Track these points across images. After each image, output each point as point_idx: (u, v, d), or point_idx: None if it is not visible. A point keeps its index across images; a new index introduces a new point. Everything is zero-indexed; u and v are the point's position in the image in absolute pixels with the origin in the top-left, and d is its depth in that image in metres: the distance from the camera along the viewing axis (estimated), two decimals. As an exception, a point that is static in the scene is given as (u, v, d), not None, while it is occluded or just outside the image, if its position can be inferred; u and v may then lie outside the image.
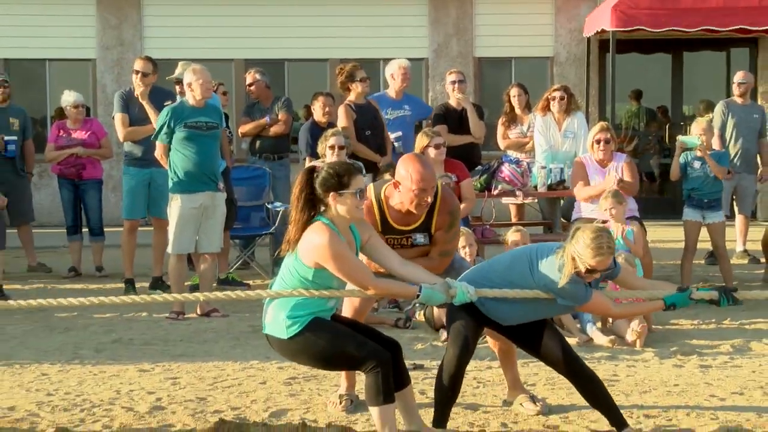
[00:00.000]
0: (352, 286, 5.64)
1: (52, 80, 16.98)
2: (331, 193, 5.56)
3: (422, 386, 6.89)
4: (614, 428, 5.85)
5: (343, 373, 6.60)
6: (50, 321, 9.36)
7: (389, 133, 10.91)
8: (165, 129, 9.41)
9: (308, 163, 10.32)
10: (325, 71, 16.90)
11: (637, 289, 6.04)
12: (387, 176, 8.40)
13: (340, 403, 6.49)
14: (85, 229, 12.02)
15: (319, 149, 10.08)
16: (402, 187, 6.28)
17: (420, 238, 6.49)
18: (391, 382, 5.52)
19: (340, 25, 17.15)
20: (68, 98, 11.95)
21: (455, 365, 5.83)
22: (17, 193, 11.42)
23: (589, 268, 5.57)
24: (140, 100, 10.43)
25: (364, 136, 10.78)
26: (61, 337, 8.72)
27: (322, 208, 5.60)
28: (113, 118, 10.89)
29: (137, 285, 10.50)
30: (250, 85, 12.17)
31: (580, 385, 5.92)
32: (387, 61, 11.88)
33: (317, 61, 17.26)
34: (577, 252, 5.58)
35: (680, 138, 10.56)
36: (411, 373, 6.41)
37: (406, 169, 6.26)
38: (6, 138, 11.47)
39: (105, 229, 12.00)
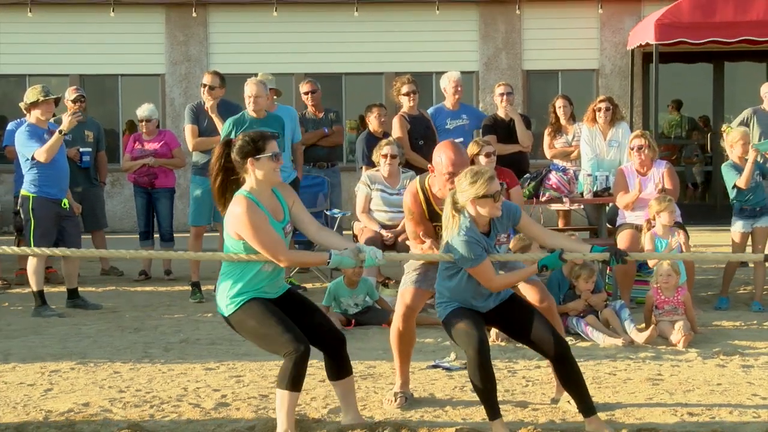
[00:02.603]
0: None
1: (124, 94, 17.13)
2: (249, 159, 5.63)
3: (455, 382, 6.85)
4: (581, 414, 5.83)
5: (397, 371, 6.59)
6: (122, 321, 9.43)
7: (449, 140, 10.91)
8: (228, 140, 9.46)
9: (365, 171, 10.34)
10: (380, 84, 16.91)
11: (537, 238, 6.10)
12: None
13: (395, 400, 6.47)
14: (156, 235, 12.13)
15: (374, 158, 10.11)
16: (436, 172, 6.30)
17: None
18: (302, 372, 5.55)
19: (395, 40, 17.16)
20: (140, 112, 12.11)
21: (479, 361, 5.68)
22: (91, 201, 11.53)
23: (480, 195, 5.60)
24: (210, 113, 10.50)
25: (418, 146, 10.81)
26: (132, 336, 8.77)
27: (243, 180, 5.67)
28: (183, 129, 10.96)
29: (203, 288, 10.54)
30: (308, 93, 12.15)
31: (563, 371, 5.85)
32: (439, 74, 11.88)
33: (373, 74, 17.28)
34: (462, 196, 5.67)
35: (755, 145, 10.27)
36: (432, 373, 6.41)
37: (438, 155, 6.29)
38: (81, 149, 11.58)
39: (176, 235, 12.09)
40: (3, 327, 9.19)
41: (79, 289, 10.32)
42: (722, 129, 10.15)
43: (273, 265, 5.70)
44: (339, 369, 5.89)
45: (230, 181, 5.71)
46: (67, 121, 9.78)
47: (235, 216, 5.57)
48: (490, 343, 8.05)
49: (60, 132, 9.72)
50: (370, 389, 6.85)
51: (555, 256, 5.77)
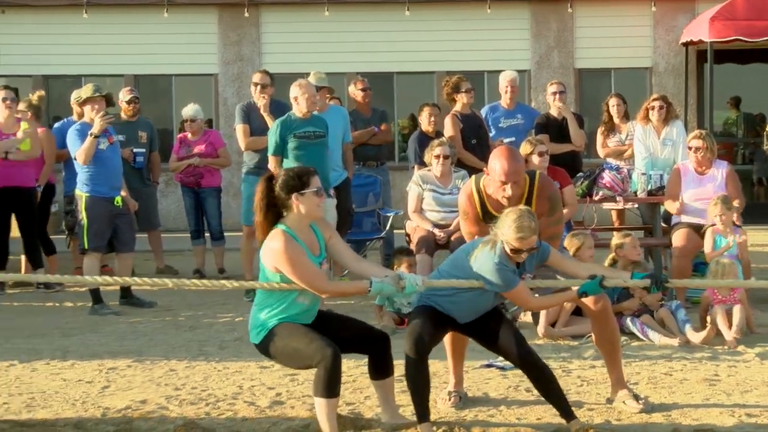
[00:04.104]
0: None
1: (177, 94, 17.26)
2: (294, 194, 5.64)
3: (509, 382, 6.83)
4: (563, 418, 5.82)
5: (450, 370, 6.59)
6: (177, 320, 9.51)
7: (503, 139, 10.91)
8: (277, 141, 9.58)
9: (416, 171, 10.35)
10: (432, 83, 16.90)
11: (567, 271, 6.05)
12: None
13: (449, 399, 6.47)
14: (207, 234, 12.21)
15: (426, 158, 10.11)
16: (490, 177, 6.31)
17: None
18: (335, 377, 5.54)
19: (446, 39, 17.14)
20: (186, 112, 12.20)
21: (413, 355, 5.77)
22: (144, 201, 11.61)
23: (513, 248, 5.66)
24: (261, 111, 10.56)
25: (470, 145, 10.81)
26: (188, 334, 8.84)
27: (284, 214, 5.69)
28: (235, 128, 11.04)
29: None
30: (359, 92, 12.18)
31: (532, 376, 5.89)
32: (491, 73, 11.89)
33: (424, 73, 17.27)
34: (502, 234, 5.69)
35: None
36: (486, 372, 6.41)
37: (493, 162, 6.29)
38: (135, 150, 11.69)
39: (227, 234, 12.17)
40: (61, 325, 9.31)
41: (135, 287, 10.40)
42: None
43: (310, 299, 5.75)
44: (382, 369, 5.93)
45: (274, 214, 5.73)
46: (97, 123, 9.83)
47: (274, 251, 5.60)
48: (540, 342, 8.08)
49: (91, 134, 9.78)
50: (424, 388, 6.84)
51: (596, 282, 5.83)
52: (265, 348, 5.79)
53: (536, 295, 6.09)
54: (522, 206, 5.92)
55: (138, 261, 12.31)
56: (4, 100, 10.94)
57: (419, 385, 5.79)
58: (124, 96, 11.92)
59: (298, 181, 5.67)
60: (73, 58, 17.13)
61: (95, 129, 9.77)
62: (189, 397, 6.71)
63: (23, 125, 10.83)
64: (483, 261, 5.75)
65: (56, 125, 11.79)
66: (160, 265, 12.36)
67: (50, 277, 9.77)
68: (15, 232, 11.22)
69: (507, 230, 5.68)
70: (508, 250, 5.70)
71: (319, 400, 5.58)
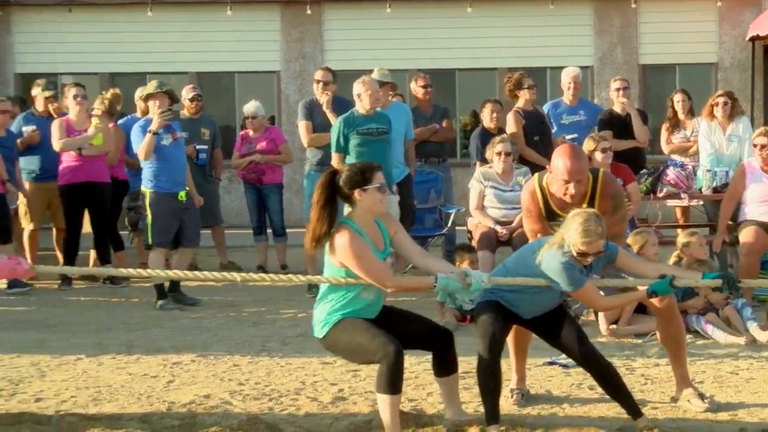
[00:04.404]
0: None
1: (240, 92, 17.37)
2: (356, 190, 5.63)
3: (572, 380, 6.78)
4: (630, 416, 5.78)
5: (513, 368, 6.56)
6: (241, 315, 9.58)
7: (565, 135, 10.85)
8: (340, 138, 9.61)
9: (478, 168, 10.32)
10: (494, 80, 16.84)
11: (635, 272, 5.98)
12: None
13: (512, 396, 6.45)
14: (269, 230, 12.28)
15: (487, 155, 10.08)
16: (553, 176, 6.27)
17: None
18: (398, 373, 5.51)
19: (508, 35, 17.07)
20: (247, 109, 12.28)
21: (488, 356, 5.76)
22: (207, 197, 11.67)
23: (579, 251, 5.60)
24: (324, 108, 10.60)
25: (533, 141, 10.78)
26: (251, 330, 8.90)
27: (346, 211, 5.69)
28: (297, 126, 11.09)
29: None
30: (421, 88, 12.17)
31: (595, 373, 5.87)
32: (553, 69, 11.82)
33: (486, 70, 17.22)
34: (568, 237, 5.62)
35: None
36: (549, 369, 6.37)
37: (555, 160, 6.25)
38: (198, 147, 11.78)
39: (290, 230, 12.23)
40: (127, 320, 9.42)
41: (199, 283, 10.48)
42: None
43: (374, 293, 5.75)
44: (446, 366, 5.91)
45: (334, 209, 5.73)
46: (156, 120, 9.92)
47: (339, 246, 5.61)
48: (603, 339, 8.02)
49: (150, 132, 9.87)
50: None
51: (666, 282, 5.77)
52: (328, 343, 5.80)
53: (602, 293, 6.03)
54: (589, 209, 5.85)
55: (201, 257, 12.43)
56: (75, 96, 11.10)
57: (492, 386, 5.77)
58: (186, 93, 12.02)
59: (361, 177, 5.67)
60: (137, 56, 17.30)
61: (153, 126, 9.87)
62: (252, 393, 6.76)
63: (94, 120, 10.98)
64: (549, 261, 5.71)
65: (120, 122, 11.93)
66: (223, 261, 12.45)
67: (113, 270, 9.86)
68: (85, 227, 11.38)
69: (573, 234, 5.63)
70: (575, 253, 5.66)
71: (382, 396, 5.58)
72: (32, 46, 17.55)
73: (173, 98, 10.42)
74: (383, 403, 5.59)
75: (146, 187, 10.03)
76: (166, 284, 10.04)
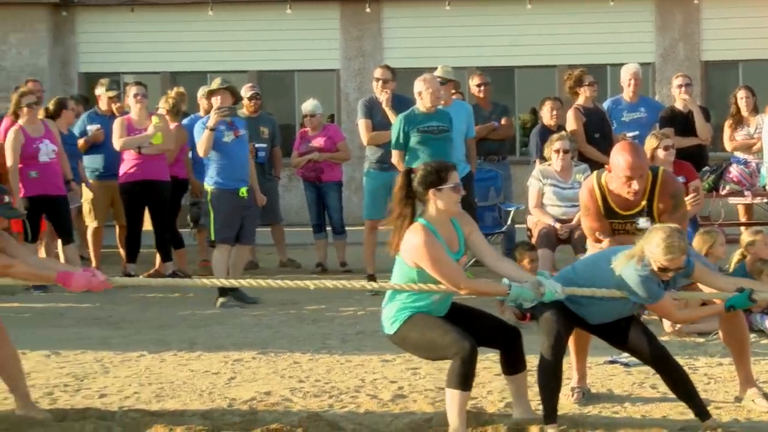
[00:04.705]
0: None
1: (299, 90, 17.45)
2: (431, 190, 5.60)
3: (633, 378, 6.73)
4: (698, 418, 5.71)
5: (573, 366, 6.53)
6: (301, 313, 9.62)
7: (626, 133, 10.78)
8: (400, 135, 9.63)
9: (537, 166, 10.28)
10: (553, 77, 16.75)
11: (713, 287, 5.89)
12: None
13: (572, 395, 6.42)
14: (328, 228, 12.32)
15: (545, 153, 10.04)
16: (613, 173, 6.23)
17: (643, 222, 6.39)
18: (471, 370, 5.51)
19: (568, 32, 16.99)
20: (305, 108, 12.34)
21: (551, 356, 5.72)
22: (266, 195, 11.68)
23: (660, 266, 5.51)
24: (383, 106, 10.62)
25: (593, 139, 10.71)
26: (311, 327, 8.94)
27: (420, 210, 5.64)
28: (357, 124, 11.12)
29: (379, 281, 10.64)
30: (479, 86, 12.15)
31: (666, 375, 5.81)
32: (614, 66, 11.74)
33: (545, 67, 17.13)
34: (649, 251, 5.52)
35: None
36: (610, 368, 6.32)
37: (616, 157, 6.21)
38: (257, 145, 11.84)
39: (349, 228, 12.27)
40: (188, 317, 9.50)
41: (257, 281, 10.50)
42: None
43: (445, 291, 5.73)
44: (514, 364, 5.88)
45: (411, 208, 5.70)
46: (212, 117, 9.98)
47: (414, 246, 5.59)
48: (666, 338, 7.95)
49: (207, 128, 9.94)
50: (547, 384, 6.79)
51: (744, 296, 5.72)
52: (398, 338, 5.78)
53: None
54: (671, 224, 5.73)
55: (261, 255, 12.53)
56: (136, 95, 11.21)
57: (553, 386, 5.74)
58: (245, 92, 12.09)
59: (436, 177, 5.64)
60: (198, 55, 17.47)
61: (210, 122, 9.94)
62: (312, 390, 6.78)
63: (154, 119, 11.08)
64: (628, 273, 5.62)
65: (184, 121, 12.03)
66: (283, 259, 12.52)
67: (179, 280, 9.94)
68: (146, 225, 11.50)
69: (655, 249, 5.53)
70: (655, 268, 5.57)
71: (452, 391, 5.56)
72: (95, 46, 17.79)
73: (236, 95, 10.47)
74: (453, 398, 5.57)
75: (208, 184, 10.10)
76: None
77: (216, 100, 10.10)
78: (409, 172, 5.76)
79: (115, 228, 11.87)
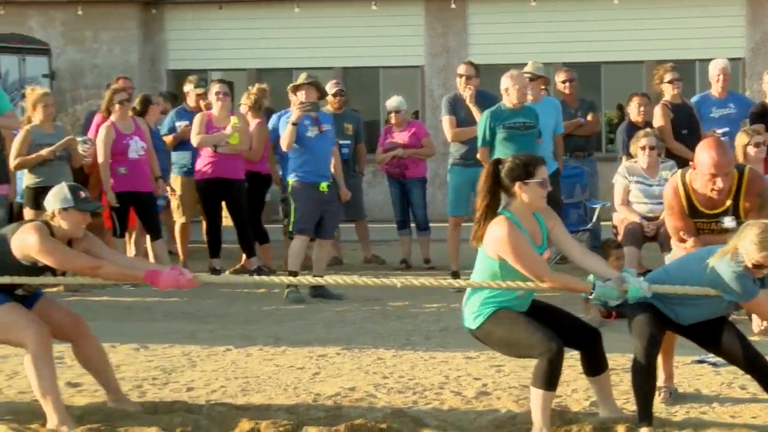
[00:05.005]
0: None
1: (384, 86, 17.49)
2: (517, 183, 5.55)
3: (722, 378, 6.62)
4: None
5: (660, 365, 6.44)
6: (385, 309, 9.65)
7: (715, 129, 10.62)
8: (487, 132, 9.62)
9: (623, 163, 10.17)
10: (640, 73, 16.57)
11: None
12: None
13: (659, 394, 6.33)
14: (413, 224, 12.33)
15: (631, 149, 9.94)
16: (698, 171, 6.15)
17: (728, 221, 6.30)
18: (557, 370, 5.46)
19: (655, 27, 16.80)
20: (390, 104, 12.37)
21: (645, 358, 5.62)
22: (350, 191, 11.76)
23: (755, 263, 5.40)
24: (467, 102, 10.60)
25: (681, 135, 10.58)
26: (395, 324, 8.96)
27: (504, 202, 5.59)
28: (441, 120, 11.12)
29: (462, 278, 10.62)
30: (565, 82, 12.06)
31: (760, 378, 5.72)
32: (702, 61, 11.58)
33: (632, 63, 16.95)
34: (743, 248, 5.42)
35: None
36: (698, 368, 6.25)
37: (701, 154, 6.13)
38: (341, 142, 11.89)
39: (433, 225, 12.27)
40: (273, 312, 9.59)
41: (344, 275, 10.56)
42: None
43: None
44: (596, 365, 5.84)
45: (496, 200, 5.67)
46: (295, 112, 10.04)
47: (497, 238, 5.55)
48: (755, 338, 7.80)
49: (290, 122, 10.00)
50: (633, 383, 6.73)
51: None
52: (482, 334, 5.76)
53: None
54: (766, 221, 5.65)
55: (346, 251, 12.61)
56: (217, 93, 11.30)
57: (648, 388, 5.66)
58: (330, 89, 12.14)
59: (523, 170, 5.60)
60: (284, 52, 17.62)
61: (293, 117, 10.02)
62: (396, 386, 6.80)
63: (233, 119, 11.15)
64: (722, 270, 5.54)
65: (272, 119, 12.14)
66: (367, 255, 12.57)
67: (266, 278, 9.99)
68: (230, 220, 11.62)
69: (749, 245, 5.44)
70: (750, 265, 5.48)
71: (537, 391, 5.54)
72: (184, 43, 18.05)
73: (321, 91, 10.52)
74: (537, 398, 5.54)
75: (290, 177, 10.19)
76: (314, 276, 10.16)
77: (300, 95, 10.17)
78: (497, 164, 5.73)
79: (202, 224, 12.01)
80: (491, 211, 5.63)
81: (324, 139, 10.23)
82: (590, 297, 5.71)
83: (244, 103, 11.93)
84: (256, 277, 8.32)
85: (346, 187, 10.76)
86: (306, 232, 10.14)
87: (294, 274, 9.93)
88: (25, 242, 5.73)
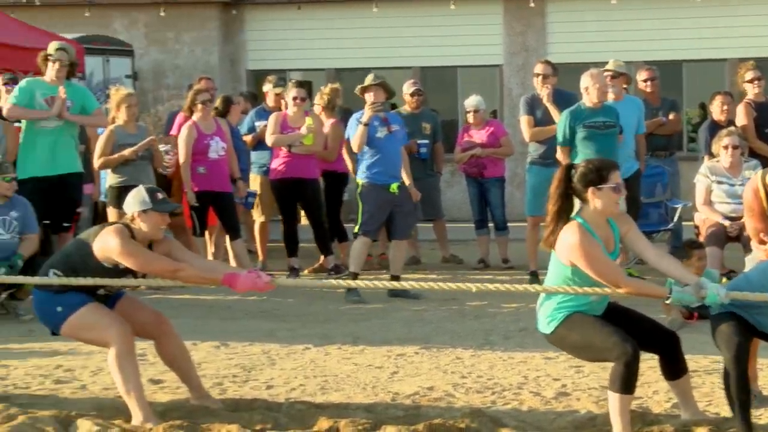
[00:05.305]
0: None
1: (462, 86, 17.46)
2: (590, 188, 5.46)
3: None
4: None
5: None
6: (463, 308, 9.64)
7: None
8: (566, 131, 9.57)
9: (705, 162, 10.04)
10: (723, 71, 16.34)
11: None
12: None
13: (743, 398, 6.25)
14: (491, 224, 12.30)
15: (714, 149, 9.82)
16: None
17: None
18: (634, 374, 5.37)
19: (738, 25, 16.54)
20: (468, 103, 12.35)
21: (736, 368, 5.47)
22: (427, 191, 11.74)
23: None
24: (544, 101, 10.55)
25: (764, 134, 10.45)
26: (473, 323, 8.95)
27: (577, 207, 5.51)
28: (519, 120, 11.08)
29: (541, 278, 10.56)
30: (646, 81, 11.93)
31: None
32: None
33: (715, 61, 16.71)
34: None
35: None
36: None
37: None
38: (419, 141, 11.90)
39: (512, 224, 12.22)
40: (350, 311, 9.62)
41: (422, 275, 10.59)
42: None
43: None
44: (675, 369, 5.77)
45: (567, 205, 5.60)
46: (366, 112, 10.06)
47: (569, 245, 5.48)
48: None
49: (361, 123, 10.02)
50: (716, 384, 6.61)
51: None
52: (556, 338, 5.71)
53: None
54: None
55: (424, 251, 12.61)
56: (294, 98, 11.31)
57: (744, 399, 5.52)
58: (407, 89, 12.15)
59: (596, 175, 5.51)
60: (363, 51, 17.67)
61: (364, 117, 10.06)
62: (475, 386, 6.79)
63: (307, 120, 11.19)
64: None
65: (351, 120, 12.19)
66: (445, 254, 12.56)
67: (343, 282, 10.01)
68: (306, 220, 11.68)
69: None
70: None
71: (614, 395, 5.47)
72: (263, 44, 18.20)
73: (388, 91, 10.53)
74: (615, 402, 5.48)
75: (360, 178, 10.23)
76: (390, 276, 10.20)
77: (369, 96, 10.21)
78: (569, 168, 5.66)
79: (281, 223, 12.09)
80: (563, 217, 5.56)
81: (393, 140, 10.25)
82: (667, 302, 5.62)
83: (318, 103, 11.98)
84: (332, 281, 8.37)
85: (425, 187, 10.74)
86: (370, 234, 10.19)
87: (355, 275, 9.96)
88: (106, 245, 5.82)
